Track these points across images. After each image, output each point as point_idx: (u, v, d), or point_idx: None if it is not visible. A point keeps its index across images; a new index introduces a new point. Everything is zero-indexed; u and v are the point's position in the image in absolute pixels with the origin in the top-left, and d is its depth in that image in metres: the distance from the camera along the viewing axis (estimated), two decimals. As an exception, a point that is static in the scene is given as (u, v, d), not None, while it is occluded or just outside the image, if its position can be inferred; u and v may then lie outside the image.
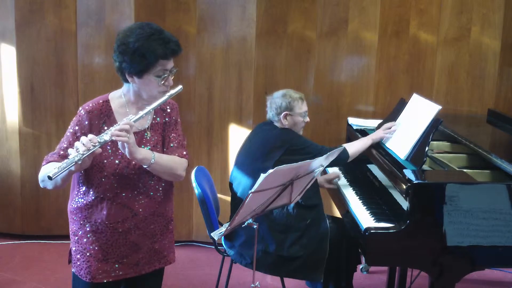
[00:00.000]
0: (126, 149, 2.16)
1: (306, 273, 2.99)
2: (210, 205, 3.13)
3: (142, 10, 4.14)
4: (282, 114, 3.07)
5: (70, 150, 2.14)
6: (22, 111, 4.28)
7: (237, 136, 4.23)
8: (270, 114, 3.13)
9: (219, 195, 3.42)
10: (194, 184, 3.12)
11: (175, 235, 4.39)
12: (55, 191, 4.07)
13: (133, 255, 2.39)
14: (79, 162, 2.08)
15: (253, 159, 3.06)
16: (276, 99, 3.11)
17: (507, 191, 2.53)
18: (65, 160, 2.10)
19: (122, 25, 4.12)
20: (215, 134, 4.34)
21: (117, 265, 2.37)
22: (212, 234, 2.54)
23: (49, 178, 2.06)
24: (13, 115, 4.30)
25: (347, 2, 4.13)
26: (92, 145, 2.10)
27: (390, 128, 3.23)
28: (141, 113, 2.23)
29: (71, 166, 2.08)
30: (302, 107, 3.12)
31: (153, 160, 2.25)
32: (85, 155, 2.09)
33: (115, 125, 2.19)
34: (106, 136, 2.15)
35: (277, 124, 3.12)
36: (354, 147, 3.20)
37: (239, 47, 4.20)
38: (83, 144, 2.10)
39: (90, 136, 2.13)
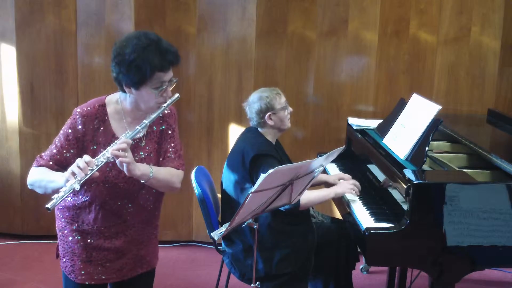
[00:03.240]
0: (125, 167, 2.13)
1: (291, 286, 2.97)
2: (210, 205, 3.13)
3: (142, 10, 4.14)
4: (266, 116, 3.04)
5: (65, 174, 2.09)
6: (22, 111, 4.28)
7: (237, 136, 4.23)
8: (254, 120, 3.08)
9: (219, 195, 3.42)
10: (194, 184, 3.12)
11: (175, 235, 4.48)
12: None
13: (117, 261, 2.37)
14: (77, 189, 2.06)
15: (234, 165, 3.03)
16: (254, 104, 3.05)
17: (507, 191, 2.53)
18: (63, 189, 2.07)
19: (122, 25, 4.13)
20: (215, 134, 4.34)
21: (100, 268, 2.35)
22: (212, 234, 2.54)
23: (48, 209, 2.04)
24: (13, 115, 4.30)
25: (347, 2, 4.13)
26: (89, 169, 2.07)
27: (352, 185, 3.09)
28: (138, 128, 2.20)
29: (68, 194, 2.06)
30: (281, 102, 3.06)
31: (151, 175, 2.22)
32: (82, 181, 2.06)
33: (111, 144, 2.16)
34: (103, 158, 2.12)
35: (262, 129, 3.09)
36: (310, 196, 2.95)
37: (239, 47, 4.20)
38: (80, 168, 2.06)
39: (87, 158, 2.09)
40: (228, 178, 3.07)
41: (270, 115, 3.03)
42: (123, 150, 2.11)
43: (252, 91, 4.17)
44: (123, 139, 2.15)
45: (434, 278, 2.59)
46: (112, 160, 2.13)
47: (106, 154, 2.13)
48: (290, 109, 3.13)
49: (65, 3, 4.14)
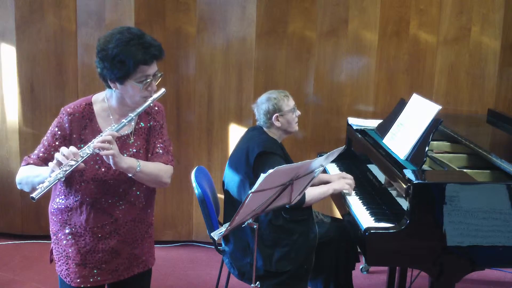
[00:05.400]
0: (111, 160, 2.14)
1: (292, 285, 2.97)
2: (210, 205, 3.13)
3: (142, 10, 4.14)
4: (273, 117, 3.05)
5: (51, 164, 2.10)
6: (22, 111, 4.28)
7: (237, 136, 4.21)
8: (261, 121, 3.11)
9: (219, 195, 3.42)
10: (194, 184, 3.12)
11: (175, 235, 4.48)
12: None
13: (112, 261, 2.37)
14: (62, 180, 2.07)
15: (238, 164, 3.04)
16: (262, 105, 3.08)
17: (507, 191, 2.53)
18: (47, 179, 2.08)
19: (122, 25, 4.10)
20: (215, 134, 4.34)
21: (95, 271, 2.35)
22: (212, 234, 2.54)
23: (33, 199, 2.04)
24: (13, 115, 4.30)
25: (347, 2, 4.13)
26: (74, 160, 2.08)
27: (350, 182, 3.15)
28: (124, 121, 2.20)
29: (53, 184, 2.07)
30: (289, 104, 3.08)
31: (138, 168, 2.22)
32: (67, 172, 2.06)
33: (97, 137, 2.16)
34: (88, 149, 2.12)
35: (268, 130, 3.11)
36: (313, 193, 3.02)
37: (239, 47, 4.20)
38: (65, 157, 2.06)
39: (73, 149, 2.10)
40: (231, 178, 3.07)
41: (277, 116, 3.05)
42: (108, 142, 2.12)
43: (252, 91, 4.21)
44: (108, 132, 2.16)
45: (434, 278, 2.59)
46: (97, 152, 2.13)
47: (91, 146, 2.13)
48: (298, 112, 3.15)
49: (65, 3, 4.14)
